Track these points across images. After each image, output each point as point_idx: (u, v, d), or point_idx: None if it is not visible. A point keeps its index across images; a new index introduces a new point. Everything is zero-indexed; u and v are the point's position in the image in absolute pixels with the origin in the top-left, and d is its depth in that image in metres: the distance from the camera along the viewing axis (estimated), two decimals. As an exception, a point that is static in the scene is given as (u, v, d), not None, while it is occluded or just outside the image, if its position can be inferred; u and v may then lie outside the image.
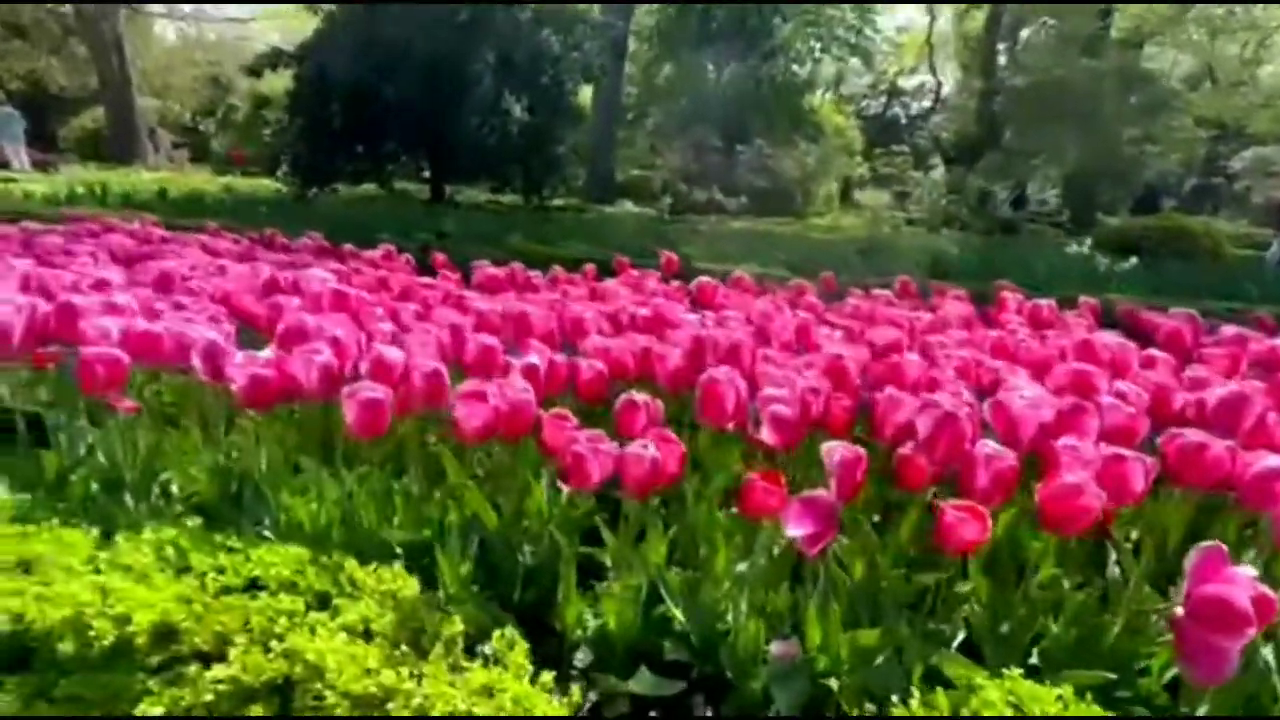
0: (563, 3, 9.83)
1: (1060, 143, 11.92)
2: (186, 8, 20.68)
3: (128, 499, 1.53)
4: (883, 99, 23.82)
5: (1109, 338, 1.78)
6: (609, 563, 1.62)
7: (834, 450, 1.11)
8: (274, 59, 9.81)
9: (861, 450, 1.13)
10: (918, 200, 15.86)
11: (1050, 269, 5.30)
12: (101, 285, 1.80)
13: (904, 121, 23.52)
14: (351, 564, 1.16)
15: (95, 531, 1.30)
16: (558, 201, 11.00)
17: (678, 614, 1.24)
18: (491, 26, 9.01)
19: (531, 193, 10.51)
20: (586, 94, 12.52)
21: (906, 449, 1.28)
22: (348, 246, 3.19)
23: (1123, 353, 1.69)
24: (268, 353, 1.37)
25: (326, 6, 9.65)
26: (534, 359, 1.45)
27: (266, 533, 1.46)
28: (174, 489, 1.69)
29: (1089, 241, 6.67)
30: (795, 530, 1.09)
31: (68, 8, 15.49)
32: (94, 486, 1.68)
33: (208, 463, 1.64)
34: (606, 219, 9.70)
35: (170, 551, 1.18)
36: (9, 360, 1.53)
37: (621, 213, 11.09)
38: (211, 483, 1.57)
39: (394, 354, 1.36)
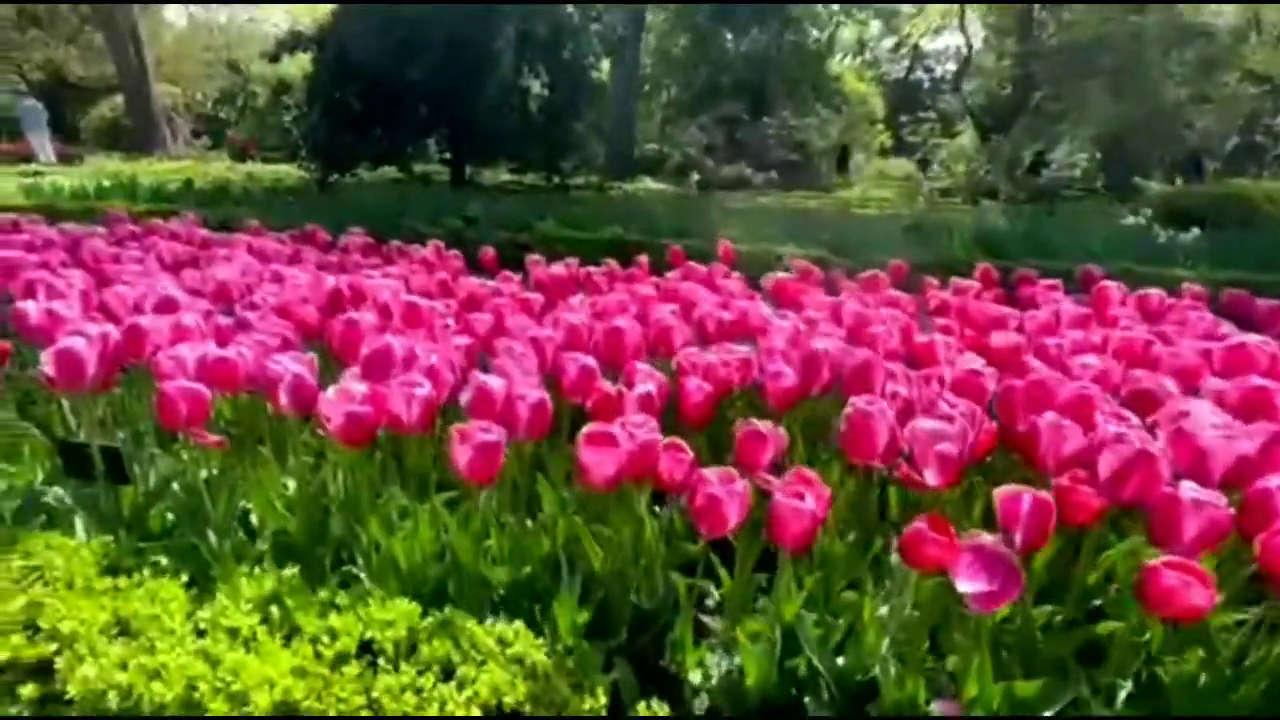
0: None
1: (1105, 104, 11.34)
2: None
3: (210, 536, 1.45)
4: (905, 63, 22.99)
5: (1253, 336, 1.62)
6: (713, 591, 1.53)
7: (1018, 495, 0.98)
8: (293, 42, 9.62)
9: (1049, 497, 1.00)
10: (946, 167, 15.31)
11: (1107, 243, 5.04)
12: (167, 305, 1.70)
13: (927, 85, 22.71)
14: (471, 624, 1.06)
15: (185, 576, 1.22)
16: (578, 180, 10.77)
17: (821, 667, 1.13)
18: (511, 1, 8.75)
19: (552, 172, 10.30)
20: (604, 69, 12.18)
21: (1067, 480, 1.15)
22: (395, 244, 3.08)
23: (1275, 357, 1.53)
24: (358, 385, 1.26)
25: None
26: (650, 387, 1.33)
27: (358, 573, 1.38)
28: (252, 519, 1.61)
29: (1147, 211, 6.34)
30: (967, 587, 0.97)
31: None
32: (170, 517, 1.61)
33: (288, 493, 1.56)
34: (631, 198, 9.48)
35: (275, 611, 1.09)
36: (80, 390, 1.44)
37: (646, 190, 10.84)
38: (294, 516, 1.49)
39: (496, 383, 1.25)
